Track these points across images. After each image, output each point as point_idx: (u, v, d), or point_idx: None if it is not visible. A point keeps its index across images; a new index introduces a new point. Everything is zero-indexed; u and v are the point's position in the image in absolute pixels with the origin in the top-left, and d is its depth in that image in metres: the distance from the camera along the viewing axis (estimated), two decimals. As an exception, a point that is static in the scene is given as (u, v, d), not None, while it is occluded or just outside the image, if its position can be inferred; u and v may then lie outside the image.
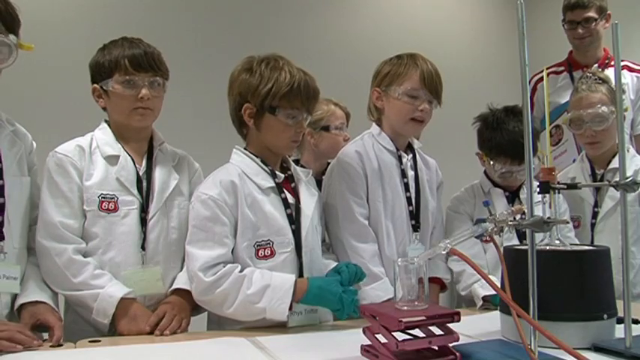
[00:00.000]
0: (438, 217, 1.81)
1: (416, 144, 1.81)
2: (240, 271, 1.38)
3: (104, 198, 1.42)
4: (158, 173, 1.51)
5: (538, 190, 1.17)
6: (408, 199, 1.71)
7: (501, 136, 1.77)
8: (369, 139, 1.75)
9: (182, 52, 2.94)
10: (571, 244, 1.27)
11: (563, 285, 1.16)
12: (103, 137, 1.50)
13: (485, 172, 1.90)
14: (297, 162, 2.21)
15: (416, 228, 1.71)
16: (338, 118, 2.22)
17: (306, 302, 1.38)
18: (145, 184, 1.48)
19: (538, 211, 1.09)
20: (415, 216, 1.71)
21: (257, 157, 1.50)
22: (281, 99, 1.43)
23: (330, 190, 1.70)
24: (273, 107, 1.44)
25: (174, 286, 1.46)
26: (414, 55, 1.71)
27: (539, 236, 1.22)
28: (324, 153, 2.20)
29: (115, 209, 1.43)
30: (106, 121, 1.55)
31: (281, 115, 1.44)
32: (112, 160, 1.47)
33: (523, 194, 1.81)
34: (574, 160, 2.12)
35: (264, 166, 1.49)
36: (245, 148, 1.53)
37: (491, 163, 1.80)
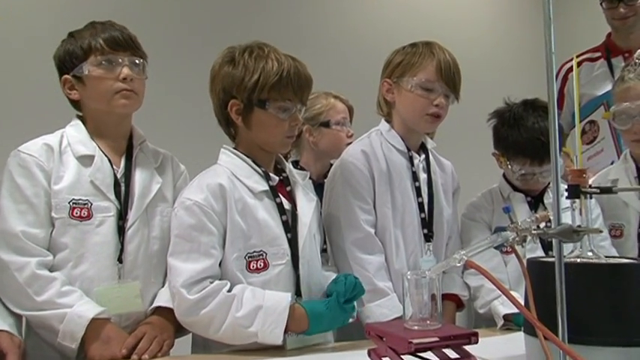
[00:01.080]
0: (453, 226, 1.82)
1: (430, 144, 1.82)
2: (229, 289, 1.38)
3: (76, 204, 1.41)
4: (138, 176, 1.51)
5: (566, 194, 1.16)
6: (420, 205, 1.72)
7: (519, 133, 1.77)
8: (376, 138, 1.76)
9: (163, 40, 2.95)
10: (606, 256, 1.26)
11: (598, 303, 1.14)
12: (75, 135, 1.49)
13: (504, 175, 1.91)
14: (296, 163, 2.23)
15: (428, 238, 1.72)
16: (339, 112, 2.23)
17: (309, 334, 1.39)
18: (123, 188, 1.48)
19: (566, 219, 1.09)
20: (428, 224, 1.72)
21: (248, 157, 1.51)
22: (270, 90, 1.44)
23: (332, 194, 1.71)
24: (262, 100, 1.45)
25: (155, 304, 1.46)
26: (430, 43, 1.73)
27: (567, 247, 1.17)
28: (325, 152, 2.22)
29: (89, 216, 1.42)
30: (78, 117, 1.54)
31: (272, 108, 1.45)
32: (85, 160, 1.46)
33: (548, 199, 1.82)
34: (612, 163, 2.12)
35: (257, 168, 1.50)
36: (235, 148, 1.54)
37: (509, 164, 1.80)
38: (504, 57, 4.09)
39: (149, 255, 1.48)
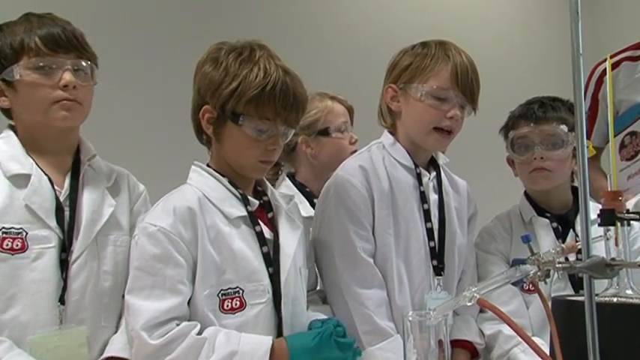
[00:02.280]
0: (469, 257, 1.82)
1: (441, 159, 1.82)
2: (199, 331, 1.36)
3: (6, 233, 1.38)
4: (87, 198, 1.49)
5: (598, 220, 1.16)
6: (429, 231, 1.71)
7: (519, 107, 1.89)
8: (378, 152, 1.76)
9: (125, 34, 2.90)
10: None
11: (638, 352, 1.12)
12: (6, 150, 1.46)
13: (526, 193, 1.92)
14: (292, 177, 2.22)
15: (438, 271, 1.70)
16: (338, 115, 2.22)
17: None
18: (67, 213, 1.45)
19: (599, 250, 1.08)
20: (438, 255, 1.71)
21: (224, 176, 1.50)
22: (247, 104, 1.43)
23: (324, 217, 1.71)
24: (236, 114, 1.44)
25: (107, 354, 1.44)
26: (444, 43, 1.73)
27: (602, 284, 1.19)
28: (326, 165, 2.18)
29: (23, 248, 1.39)
30: (10, 127, 1.52)
31: (246, 125, 1.45)
32: (19, 180, 1.43)
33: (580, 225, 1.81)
34: None
35: (234, 190, 1.49)
36: (208, 165, 1.53)
37: (512, 150, 1.86)
38: (527, 59, 4.09)
39: (99, 293, 1.46)
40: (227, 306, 1.41)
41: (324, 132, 2.18)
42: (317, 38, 3.47)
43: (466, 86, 1.68)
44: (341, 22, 3.63)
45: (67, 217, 1.45)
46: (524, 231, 1.80)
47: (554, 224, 1.83)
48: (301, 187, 2.16)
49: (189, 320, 1.38)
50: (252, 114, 1.44)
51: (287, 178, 2.20)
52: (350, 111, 2.27)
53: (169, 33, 2.98)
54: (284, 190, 2.13)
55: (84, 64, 1.48)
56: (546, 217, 1.86)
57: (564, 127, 1.82)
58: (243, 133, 1.45)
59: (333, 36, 3.56)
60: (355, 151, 2.03)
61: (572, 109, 1.78)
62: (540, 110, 1.87)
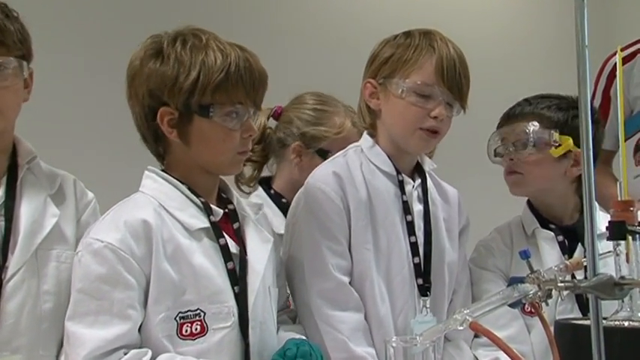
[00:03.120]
0: (461, 275, 1.81)
1: (427, 164, 1.81)
2: (152, 359, 1.35)
3: None
4: (26, 206, 1.47)
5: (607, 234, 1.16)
6: (413, 246, 1.71)
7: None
8: (355, 156, 1.76)
9: (65, 25, 2.87)
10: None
11: None
12: None
13: (529, 203, 1.92)
14: (267, 181, 2.19)
15: (424, 290, 1.70)
16: (349, 141, 2.05)
17: None
18: (2, 223, 1.44)
19: (608, 268, 1.08)
20: (424, 273, 1.71)
21: (183, 183, 1.49)
22: (215, 92, 1.43)
23: (294, 230, 1.70)
24: (204, 106, 1.43)
25: None
26: (429, 33, 1.73)
27: (611, 306, 1.20)
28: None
29: None
30: None
31: (218, 116, 1.44)
32: None
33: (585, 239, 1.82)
34: None
35: (194, 198, 1.48)
36: (164, 171, 1.52)
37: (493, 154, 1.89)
38: (531, 55, 4.08)
39: (38, 317, 1.44)
40: (186, 331, 1.39)
41: (323, 154, 2.09)
42: (307, 34, 3.47)
43: (453, 82, 1.67)
44: (335, 18, 3.64)
45: (1, 229, 1.43)
46: (525, 245, 1.80)
47: (560, 237, 1.84)
48: (277, 198, 2.12)
49: (140, 348, 1.36)
50: (223, 101, 1.44)
51: (260, 188, 2.17)
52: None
53: (122, 25, 2.96)
54: (254, 199, 2.10)
55: (4, 60, 1.43)
56: (551, 230, 1.86)
57: (534, 124, 1.82)
58: (215, 126, 1.45)
59: (326, 33, 3.56)
60: None
61: (565, 105, 1.84)
62: (518, 107, 1.90)
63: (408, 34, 1.73)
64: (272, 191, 2.15)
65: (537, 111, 1.85)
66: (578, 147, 1.74)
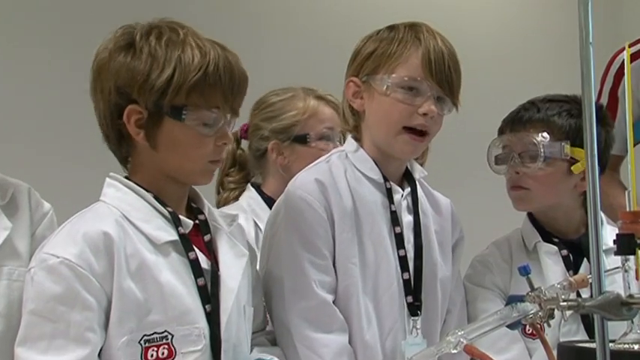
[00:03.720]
0: (455, 293, 1.82)
1: (417, 171, 1.81)
2: None
3: None
4: None
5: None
6: (402, 260, 1.70)
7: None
8: (339, 162, 1.75)
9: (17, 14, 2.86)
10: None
11: None
12: None
13: (530, 215, 1.92)
14: (258, 188, 2.22)
15: (415, 310, 1.70)
16: (323, 120, 2.20)
17: None
18: None
19: (616, 285, 1.09)
20: (414, 290, 1.70)
21: (148, 191, 1.48)
22: (190, 93, 1.42)
23: (273, 243, 1.70)
24: (177, 108, 1.43)
25: None
26: (415, 25, 1.73)
27: (620, 327, 1.19)
28: None
29: None
30: None
31: (191, 119, 1.43)
32: None
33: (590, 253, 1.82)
34: None
35: (161, 208, 1.47)
36: (127, 178, 1.51)
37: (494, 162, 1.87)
38: (529, 51, 4.10)
39: None
40: (151, 356, 1.38)
41: (302, 139, 2.17)
42: (295, 31, 3.49)
43: (442, 75, 1.67)
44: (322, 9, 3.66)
45: None
46: (526, 260, 1.79)
47: (564, 252, 1.83)
48: (269, 202, 2.14)
49: (100, 375, 1.35)
50: (198, 103, 1.43)
51: (251, 188, 2.21)
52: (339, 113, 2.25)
53: (82, 13, 2.95)
54: (245, 201, 2.16)
55: None
56: (554, 243, 1.85)
57: (544, 135, 1.81)
58: (187, 130, 1.44)
59: (318, 30, 3.57)
60: None
61: (577, 110, 1.82)
62: (525, 112, 1.88)
63: (391, 28, 1.73)
64: (264, 195, 2.18)
65: (547, 118, 1.84)
66: (598, 161, 1.75)
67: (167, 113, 1.43)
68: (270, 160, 2.19)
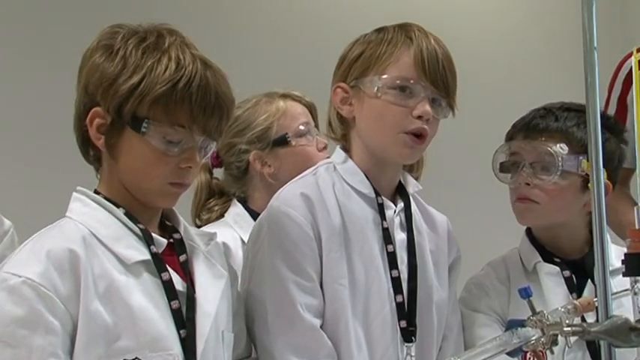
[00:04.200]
0: (452, 318, 1.81)
1: (411, 185, 1.81)
2: None
3: None
4: None
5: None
6: (395, 282, 1.70)
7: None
8: (327, 175, 1.75)
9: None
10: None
11: None
12: None
13: (528, 232, 1.91)
14: (244, 202, 2.22)
15: (409, 335, 1.69)
16: (296, 117, 2.23)
17: None
18: None
19: (624, 309, 1.11)
20: (408, 314, 1.70)
21: (118, 207, 1.48)
22: (153, 105, 1.42)
23: (255, 264, 1.69)
24: (138, 119, 1.42)
25: None
26: (405, 25, 1.74)
27: (630, 354, 1.20)
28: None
29: None
30: None
31: (152, 134, 1.43)
32: None
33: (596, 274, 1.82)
34: None
35: (132, 224, 1.47)
36: (96, 192, 1.50)
37: (499, 169, 1.86)
38: (532, 56, 4.13)
39: None
40: None
41: (282, 141, 2.18)
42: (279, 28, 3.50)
43: (436, 75, 1.67)
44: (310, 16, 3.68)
45: None
46: (525, 282, 1.77)
47: (567, 273, 1.82)
48: (256, 217, 2.11)
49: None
50: (160, 119, 1.42)
51: (237, 203, 2.21)
52: (311, 109, 2.28)
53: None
54: (231, 217, 2.16)
55: None
56: (555, 264, 1.84)
57: (563, 147, 1.79)
58: (147, 145, 1.43)
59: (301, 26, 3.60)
60: None
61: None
62: (541, 119, 1.86)
63: (380, 30, 1.74)
64: (252, 212, 2.17)
65: (566, 128, 1.82)
66: (610, 177, 1.75)
67: (127, 122, 1.43)
68: (253, 174, 2.20)
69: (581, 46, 1.09)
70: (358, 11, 3.59)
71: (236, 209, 2.20)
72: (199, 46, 1.50)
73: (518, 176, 1.82)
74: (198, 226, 2.18)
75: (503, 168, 1.86)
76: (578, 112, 1.84)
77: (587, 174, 1.75)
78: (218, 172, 2.28)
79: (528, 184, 1.80)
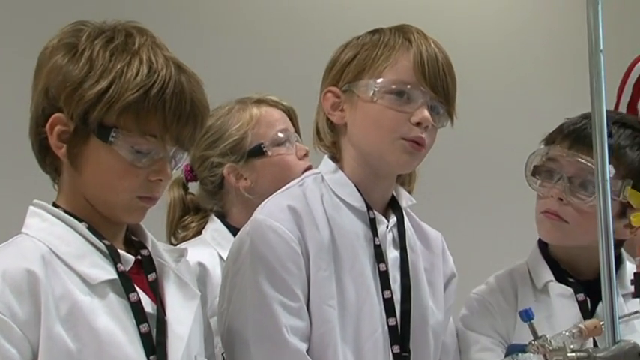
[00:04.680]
0: (449, 340, 1.83)
1: (404, 199, 1.81)
2: None
3: None
4: None
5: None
6: (388, 303, 1.69)
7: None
8: (314, 186, 1.75)
9: None
10: None
11: None
12: None
13: (540, 244, 1.90)
14: (222, 217, 2.22)
15: None
16: (272, 124, 2.21)
17: None
18: None
19: (637, 335, 1.15)
20: (402, 337, 1.69)
21: (81, 221, 1.46)
22: (123, 114, 1.41)
23: (235, 282, 1.69)
24: (105, 127, 1.41)
25: None
26: (402, 27, 1.75)
27: None
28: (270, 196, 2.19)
29: None
30: None
31: (120, 144, 1.42)
32: None
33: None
34: None
35: (96, 241, 1.45)
36: (55, 205, 1.49)
37: (531, 173, 1.83)
38: (534, 59, 4.11)
39: None
40: None
41: (257, 151, 2.16)
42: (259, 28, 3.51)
43: (436, 80, 1.67)
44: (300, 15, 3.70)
45: None
46: (533, 301, 1.77)
47: (581, 296, 1.80)
48: (235, 231, 2.09)
49: None
50: (130, 127, 1.41)
51: (215, 219, 2.20)
52: (289, 114, 2.27)
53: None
54: (209, 234, 2.14)
55: None
56: (568, 283, 1.83)
57: (610, 168, 1.74)
58: (114, 156, 1.42)
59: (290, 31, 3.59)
60: (309, 169, 2.03)
61: None
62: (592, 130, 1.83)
63: (375, 32, 1.74)
64: (231, 228, 2.16)
65: (618, 148, 1.79)
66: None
67: (93, 131, 1.42)
68: (229, 188, 2.19)
69: (584, 48, 1.09)
70: (348, 11, 3.62)
71: (214, 225, 2.20)
72: (169, 46, 1.50)
73: (552, 188, 1.80)
74: (174, 245, 2.17)
75: (537, 172, 1.83)
76: (634, 130, 1.82)
77: (627, 202, 1.75)
78: (193, 187, 2.27)
79: (561, 200, 1.78)
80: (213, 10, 3.40)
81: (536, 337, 1.14)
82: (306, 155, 2.18)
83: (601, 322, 1.17)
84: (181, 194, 2.22)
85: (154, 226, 1.61)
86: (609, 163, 1.71)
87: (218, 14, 3.41)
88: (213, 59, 3.01)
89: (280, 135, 2.19)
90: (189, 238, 2.20)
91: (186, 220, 2.22)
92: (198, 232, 2.20)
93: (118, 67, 1.41)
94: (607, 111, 1.81)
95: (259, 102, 2.22)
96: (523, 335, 1.65)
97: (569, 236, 1.82)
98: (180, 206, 2.22)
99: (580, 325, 1.17)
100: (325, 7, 3.73)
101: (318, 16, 3.66)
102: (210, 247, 2.10)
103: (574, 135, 1.83)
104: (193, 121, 1.46)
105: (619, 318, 1.07)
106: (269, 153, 2.17)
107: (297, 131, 2.25)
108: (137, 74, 1.40)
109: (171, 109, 1.42)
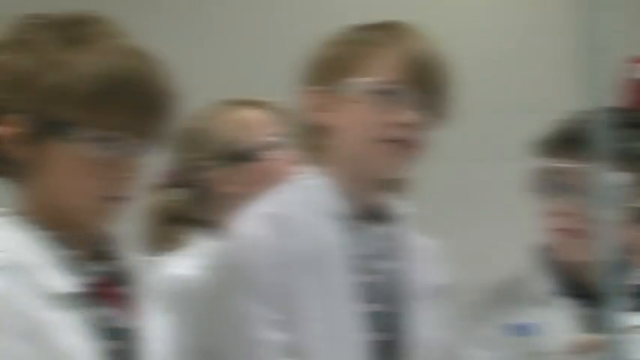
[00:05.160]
0: (442, 353, 1.81)
1: (394, 207, 1.81)
2: None
3: None
4: None
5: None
6: (377, 317, 1.70)
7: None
8: (295, 192, 1.76)
9: None
10: None
11: None
12: None
13: (539, 251, 1.92)
14: (209, 226, 2.22)
15: None
16: (261, 126, 2.22)
17: None
18: None
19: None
20: (392, 355, 1.71)
21: (44, 229, 1.45)
22: (79, 106, 1.39)
23: (212, 298, 1.71)
24: (60, 124, 1.40)
25: None
26: (389, 23, 1.76)
27: None
28: None
29: None
30: None
31: (79, 139, 1.41)
32: None
33: None
34: None
35: (61, 250, 1.45)
36: (15, 212, 1.48)
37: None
38: (532, 58, 4.16)
39: None
40: None
41: (247, 155, 2.17)
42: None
43: (426, 78, 1.69)
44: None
45: None
46: (532, 313, 1.77)
47: (587, 310, 1.80)
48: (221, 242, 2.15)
49: None
50: (88, 122, 1.40)
51: (201, 229, 2.21)
52: (281, 116, 2.25)
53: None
54: (193, 246, 2.14)
55: None
56: (574, 296, 1.84)
57: (624, 175, 1.75)
58: (74, 154, 1.41)
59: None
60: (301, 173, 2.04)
61: None
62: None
63: (360, 28, 1.75)
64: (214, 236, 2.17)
65: (630, 152, 1.78)
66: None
67: (48, 129, 1.41)
68: (216, 194, 2.21)
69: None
70: (343, 9, 3.64)
71: (200, 236, 2.20)
72: (155, 45, 1.50)
73: (564, 203, 1.82)
74: (152, 256, 2.16)
75: (540, 188, 1.85)
76: None
77: None
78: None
79: (577, 215, 1.78)
80: (200, 10, 3.43)
81: (530, 354, 1.14)
82: (297, 159, 2.16)
83: (604, 338, 1.16)
84: (162, 200, 2.23)
85: (129, 235, 1.62)
86: (622, 170, 1.73)
87: (205, 14, 3.43)
88: (201, 59, 3.01)
89: (270, 139, 2.20)
90: (170, 249, 2.20)
91: (169, 230, 2.22)
92: (180, 242, 2.19)
93: (72, 57, 1.40)
94: (616, 110, 1.88)
95: (248, 104, 2.24)
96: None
97: (589, 251, 1.80)
98: (161, 214, 2.22)
99: (578, 340, 1.17)
100: (318, 6, 3.77)
101: (308, 16, 3.69)
102: (192, 259, 2.10)
103: (572, 142, 1.82)
104: (156, 112, 1.45)
105: (624, 333, 1.08)
106: (260, 158, 2.18)
107: (288, 134, 2.24)
108: (92, 64, 1.39)
109: (134, 98, 1.42)
